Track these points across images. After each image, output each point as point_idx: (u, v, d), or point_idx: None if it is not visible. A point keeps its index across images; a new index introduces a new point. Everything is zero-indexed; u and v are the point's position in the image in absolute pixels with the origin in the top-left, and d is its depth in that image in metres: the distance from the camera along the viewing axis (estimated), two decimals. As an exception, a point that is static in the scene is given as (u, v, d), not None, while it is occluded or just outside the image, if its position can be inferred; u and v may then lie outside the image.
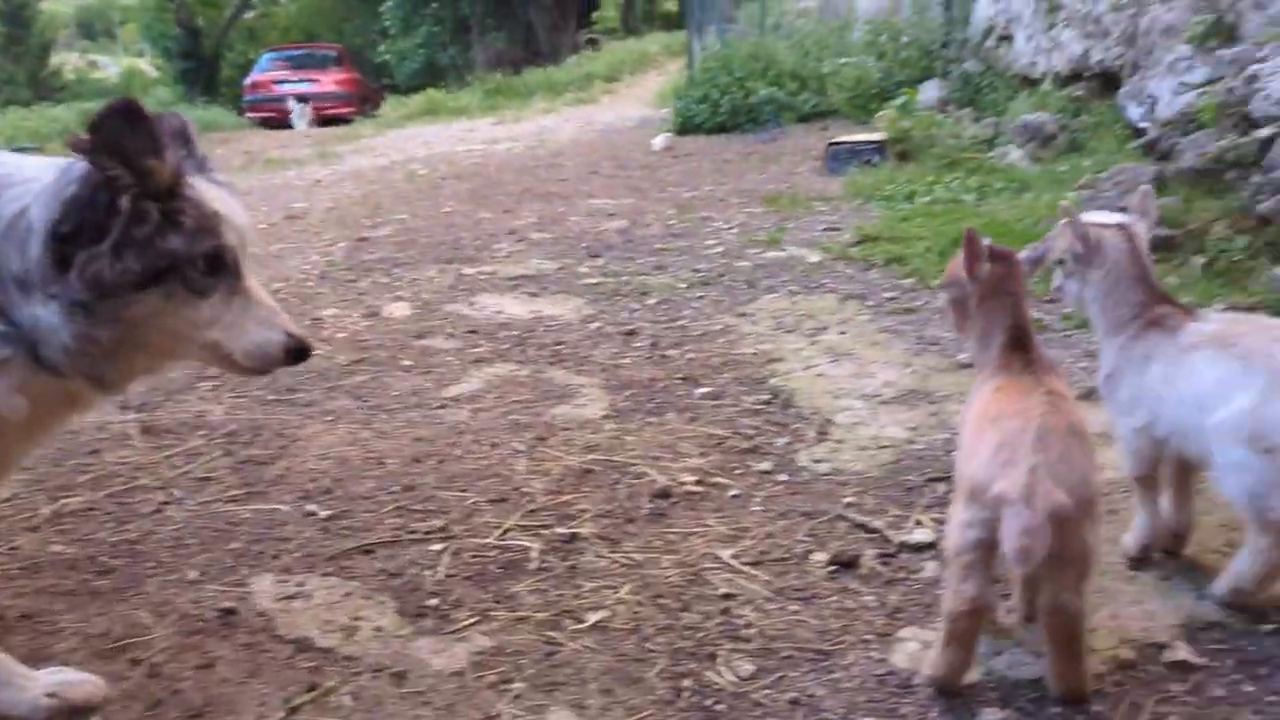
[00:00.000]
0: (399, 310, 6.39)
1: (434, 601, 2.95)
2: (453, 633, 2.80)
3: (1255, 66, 6.99)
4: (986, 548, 2.37)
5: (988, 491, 2.32)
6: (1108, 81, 9.84)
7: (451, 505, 3.59)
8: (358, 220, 9.95)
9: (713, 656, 2.68)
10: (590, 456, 3.97)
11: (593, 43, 32.14)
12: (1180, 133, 7.28)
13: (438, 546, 3.29)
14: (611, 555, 3.22)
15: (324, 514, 3.53)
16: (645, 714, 2.44)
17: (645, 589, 3.01)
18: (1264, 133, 6.28)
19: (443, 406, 4.60)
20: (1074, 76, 10.63)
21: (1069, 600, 2.34)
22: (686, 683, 2.56)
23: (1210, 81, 7.59)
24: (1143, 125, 8.11)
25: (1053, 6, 11.06)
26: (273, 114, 28.59)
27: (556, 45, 33.08)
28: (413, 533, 3.40)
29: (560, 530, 3.37)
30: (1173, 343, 2.85)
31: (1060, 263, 3.11)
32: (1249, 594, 2.74)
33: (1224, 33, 7.84)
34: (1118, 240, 3.03)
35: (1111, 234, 3.04)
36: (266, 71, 31.54)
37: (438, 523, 3.46)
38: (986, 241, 2.76)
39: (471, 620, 2.85)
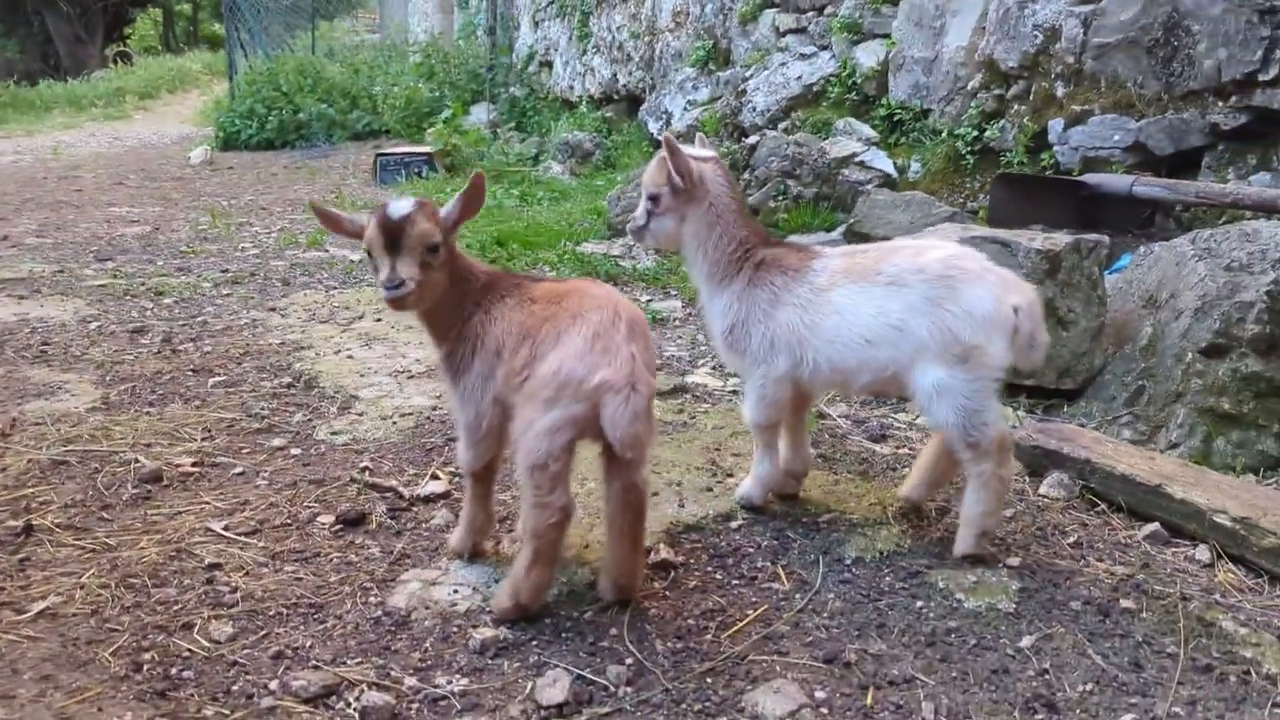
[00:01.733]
0: None
1: None
2: None
3: (744, 85, 7.95)
4: (573, 451, 2.31)
5: (587, 382, 2.23)
6: (634, 102, 10.71)
7: None
8: None
9: (189, 626, 2.39)
10: (66, 449, 3.45)
11: (124, 58, 29.19)
12: (691, 143, 8.04)
13: None
14: (77, 543, 2.79)
15: None
16: (91, 693, 2.10)
17: (114, 571, 2.63)
18: (751, 140, 7.14)
19: (-128, 412, 3.78)
20: (606, 98, 11.45)
21: (641, 478, 2.36)
22: (149, 655, 2.25)
23: (712, 99, 8.52)
24: (660, 138, 8.87)
25: (584, 34, 11.84)
26: None
27: (81, 59, 29.61)
28: None
29: (13, 524, 2.86)
30: (803, 284, 2.72)
31: (653, 199, 2.86)
32: (994, 533, 2.70)
33: (720, 57, 8.85)
34: (717, 173, 2.85)
35: (710, 166, 2.85)
36: None
37: None
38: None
39: None
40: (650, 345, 2.41)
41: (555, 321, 2.37)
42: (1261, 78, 4.61)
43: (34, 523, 2.88)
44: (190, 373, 4.42)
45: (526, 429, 2.31)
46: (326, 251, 7.25)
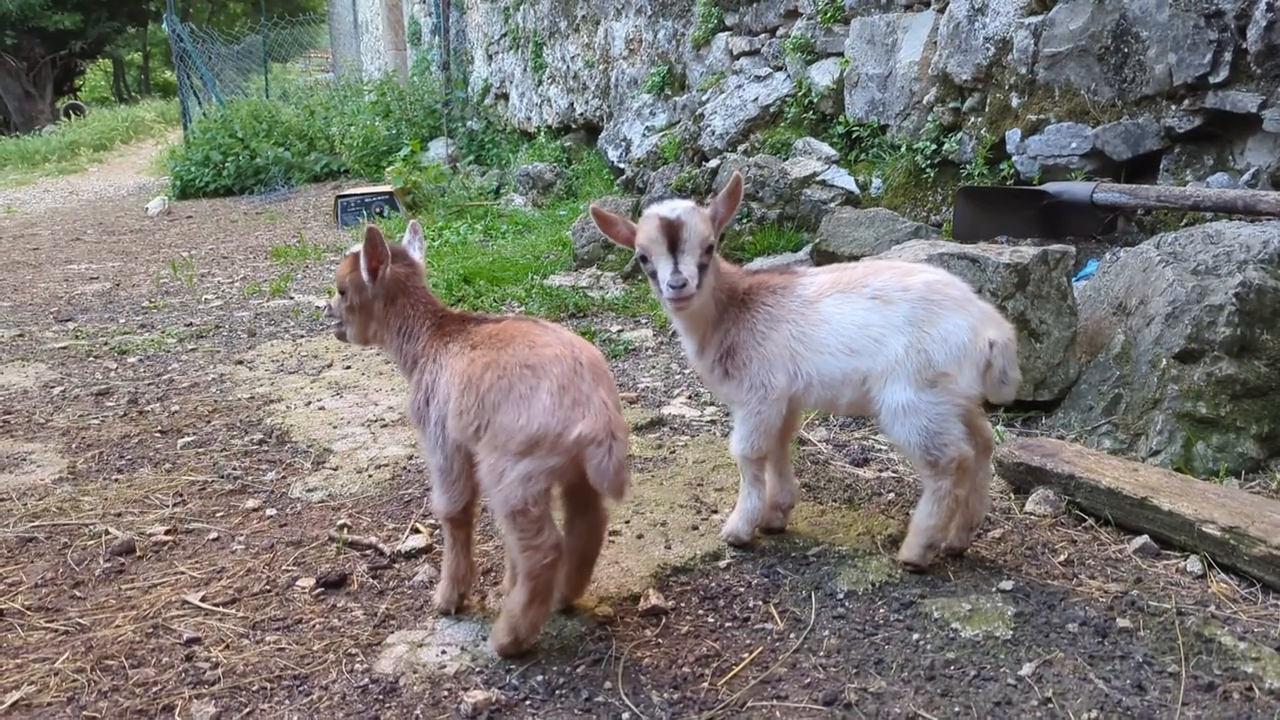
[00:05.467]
0: None
1: None
2: None
3: (701, 109, 7.96)
4: (550, 493, 2.34)
5: (565, 438, 2.22)
6: (592, 131, 10.70)
7: None
8: None
9: (170, 708, 2.31)
10: (33, 524, 3.36)
11: (76, 110, 28.88)
12: (650, 168, 8.05)
13: None
14: (49, 625, 2.70)
15: None
16: (71, 789, 2.03)
17: (89, 653, 2.54)
18: (712, 164, 7.14)
19: None
20: (564, 128, 11.44)
21: (606, 507, 2.54)
22: (130, 743, 2.17)
23: (670, 125, 8.53)
24: (621, 165, 8.88)
25: (538, 65, 11.83)
26: None
27: (30, 114, 29.34)
28: None
29: (-19, 609, 2.77)
30: (793, 298, 2.75)
31: (704, 262, 2.66)
32: (940, 545, 2.74)
33: (676, 82, 8.86)
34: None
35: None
36: None
37: None
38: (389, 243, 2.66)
39: None
40: (613, 384, 2.44)
41: (505, 372, 2.32)
42: (1212, 80, 4.65)
43: (3, 606, 2.79)
44: (158, 434, 4.33)
45: (498, 479, 2.30)
46: (291, 299, 7.16)
